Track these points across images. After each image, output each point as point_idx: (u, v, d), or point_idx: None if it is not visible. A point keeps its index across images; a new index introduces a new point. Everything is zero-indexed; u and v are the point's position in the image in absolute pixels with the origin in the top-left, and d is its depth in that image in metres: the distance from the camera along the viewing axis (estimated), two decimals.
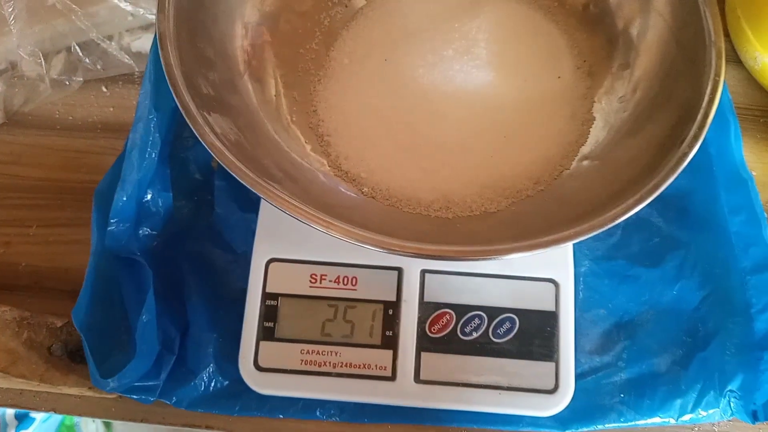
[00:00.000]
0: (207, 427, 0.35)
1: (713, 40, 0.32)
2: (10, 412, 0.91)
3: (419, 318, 0.35)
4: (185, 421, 0.35)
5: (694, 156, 0.30)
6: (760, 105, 0.44)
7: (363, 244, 0.28)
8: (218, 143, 0.29)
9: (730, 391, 0.35)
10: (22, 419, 0.90)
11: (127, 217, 0.35)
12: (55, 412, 0.35)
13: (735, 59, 0.44)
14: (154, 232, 0.37)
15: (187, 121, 0.29)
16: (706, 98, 0.31)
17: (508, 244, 0.29)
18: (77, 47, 0.40)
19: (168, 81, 0.30)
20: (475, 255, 0.29)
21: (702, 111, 0.31)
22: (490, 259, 0.30)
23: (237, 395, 0.35)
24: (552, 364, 0.34)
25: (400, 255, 0.28)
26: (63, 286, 0.38)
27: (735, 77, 0.44)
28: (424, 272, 0.35)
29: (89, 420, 0.99)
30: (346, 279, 0.36)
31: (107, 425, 1.05)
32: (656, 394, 0.35)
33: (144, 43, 0.41)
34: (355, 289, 0.35)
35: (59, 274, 0.38)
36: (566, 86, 0.37)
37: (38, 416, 0.91)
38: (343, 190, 0.35)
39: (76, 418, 0.96)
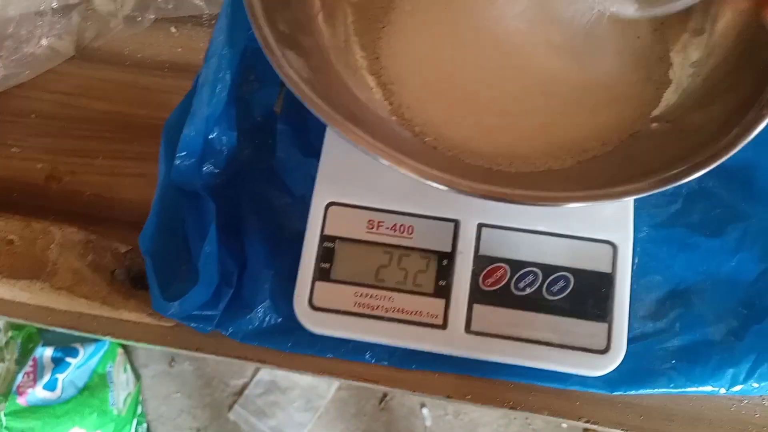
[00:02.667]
0: (259, 361, 0.36)
1: None
2: (48, 355, 0.94)
3: (473, 270, 0.35)
4: (238, 354, 0.36)
5: (762, 128, 0.29)
6: None
7: (426, 179, 0.28)
8: (296, 77, 0.29)
9: None
10: (58, 362, 0.93)
11: (193, 152, 0.36)
12: (113, 337, 0.37)
13: None
14: (217, 170, 0.37)
15: (266, 53, 0.29)
16: None
17: (565, 193, 0.29)
18: None
19: (248, 13, 0.30)
20: (532, 200, 0.29)
21: None
22: (546, 205, 0.30)
23: (290, 332, 0.36)
24: (605, 325, 0.34)
25: (462, 193, 0.28)
26: (125, 216, 0.39)
27: None
28: (480, 226, 0.36)
29: (121, 370, 1.02)
30: (402, 227, 0.36)
31: (137, 377, 1.08)
32: (708, 363, 0.35)
33: None
34: (411, 238, 0.36)
35: (123, 204, 0.39)
36: (644, 47, 0.36)
37: (73, 361, 0.94)
38: (406, 137, 0.35)
39: (108, 366, 0.99)
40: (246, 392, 1.08)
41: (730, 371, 0.34)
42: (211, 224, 0.34)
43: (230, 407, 1.07)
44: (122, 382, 1.02)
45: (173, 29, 0.43)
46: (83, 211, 0.39)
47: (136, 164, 0.40)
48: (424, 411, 1.06)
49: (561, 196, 0.28)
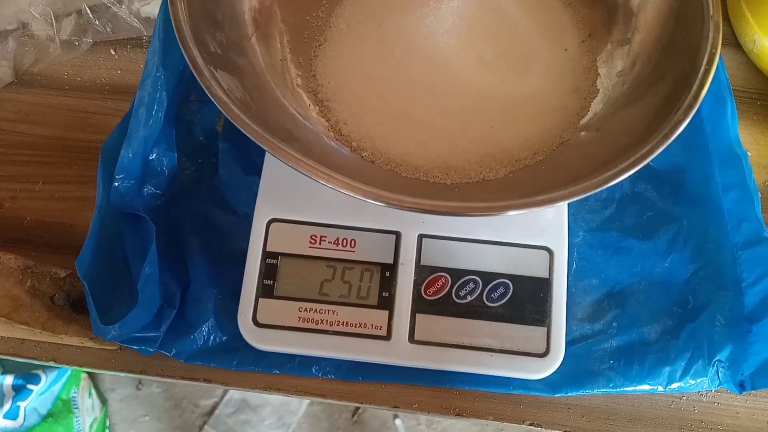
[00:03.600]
0: (205, 380, 0.36)
1: (711, 15, 0.33)
2: (8, 383, 0.92)
3: (415, 281, 0.36)
4: (183, 374, 0.36)
5: (690, 133, 0.31)
6: (757, 88, 0.44)
7: (364, 197, 0.28)
8: (225, 97, 0.30)
9: (719, 361, 0.35)
10: (19, 390, 0.91)
11: (132, 174, 0.36)
12: (56, 362, 0.36)
13: (734, 43, 0.45)
14: (158, 191, 0.37)
15: (194, 73, 0.30)
16: (702, 69, 0.32)
17: (504, 202, 0.30)
18: (88, 9, 0.41)
19: (176, 35, 0.30)
20: (471, 210, 0.29)
21: (697, 82, 0.31)
22: (485, 215, 0.31)
23: (235, 350, 0.36)
24: (543, 329, 0.35)
25: (399, 209, 0.29)
26: (67, 241, 0.38)
27: (734, 60, 0.45)
28: (421, 236, 0.36)
29: (86, 394, 1.00)
30: (345, 241, 0.36)
31: (103, 401, 1.06)
32: (645, 362, 0.36)
33: (153, 8, 0.42)
34: (353, 251, 0.36)
35: (64, 229, 0.39)
36: (571, 59, 0.38)
37: (35, 388, 0.92)
38: (344, 153, 0.36)
39: (72, 392, 0.97)
40: (216, 412, 1.06)
41: (667, 369, 0.35)
42: (151, 245, 0.34)
43: (201, 428, 1.06)
44: (88, 408, 1.00)
45: (113, 51, 0.43)
46: (24, 237, 0.39)
47: (77, 188, 0.40)
48: (398, 422, 1.06)
49: (487, 206, 0.29)
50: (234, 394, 1.07)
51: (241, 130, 0.29)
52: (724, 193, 0.38)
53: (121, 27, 0.41)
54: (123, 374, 0.36)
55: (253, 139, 0.29)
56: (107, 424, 1.05)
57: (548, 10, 0.39)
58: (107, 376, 1.07)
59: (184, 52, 0.30)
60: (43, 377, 0.93)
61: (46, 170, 0.40)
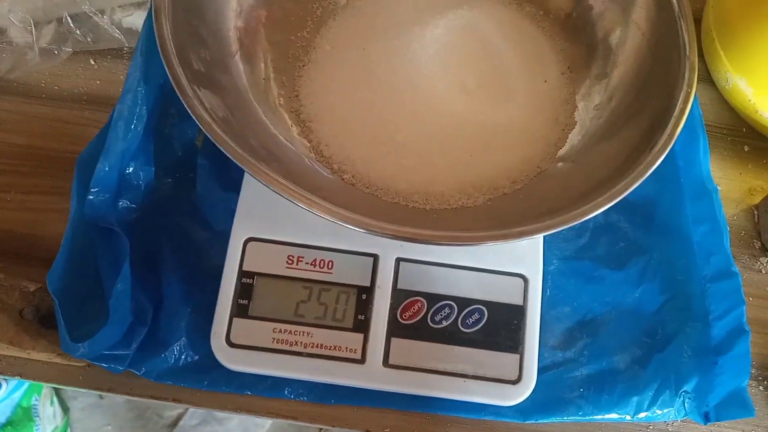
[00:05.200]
0: (174, 400, 0.35)
1: (687, 54, 0.34)
2: None
3: (391, 304, 0.36)
4: (153, 393, 0.35)
5: (663, 166, 0.31)
6: (729, 124, 0.46)
7: (342, 222, 0.29)
8: (207, 116, 0.29)
9: (685, 392, 0.36)
10: None
11: (107, 188, 0.35)
12: (21, 377, 0.35)
13: (707, 79, 0.47)
14: (133, 205, 0.37)
15: (177, 92, 0.30)
16: (678, 108, 0.33)
17: (483, 232, 0.30)
18: (69, 18, 0.40)
19: (160, 52, 0.30)
20: (451, 240, 0.30)
21: (673, 120, 0.32)
22: (465, 245, 0.31)
23: (206, 370, 0.35)
24: (517, 356, 0.35)
25: (378, 236, 0.29)
26: (38, 253, 0.38)
27: (707, 96, 0.46)
28: (399, 260, 0.36)
29: (47, 402, 0.98)
30: (322, 262, 0.36)
31: (65, 409, 1.03)
32: (614, 391, 0.36)
33: (135, 19, 0.42)
34: (330, 273, 0.36)
35: (35, 241, 0.38)
36: (551, 90, 0.38)
37: None
38: (325, 174, 0.36)
39: (33, 400, 0.95)
40: (181, 423, 1.04)
41: (635, 399, 0.36)
42: (125, 261, 0.34)
43: None
44: (49, 416, 0.97)
45: (92, 61, 0.42)
46: None
47: (50, 199, 0.39)
48: None
49: (467, 236, 0.29)
50: None
51: (223, 151, 0.29)
52: (694, 226, 0.39)
53: (101, 37, 0.41)
54: (90, 391, 0.35)
55: (235, 160, 0.29)
56: None
57: (530, 41, 0.40)
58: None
59: (167, 70, 0.30)
60: (4, 384, 0.90)
61: (19, 179, 0.39)
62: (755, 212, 0.43)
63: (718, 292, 0.38)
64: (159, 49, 0.30)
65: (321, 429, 1.03)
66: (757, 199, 0.43)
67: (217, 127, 0.29)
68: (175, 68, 0.30)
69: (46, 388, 0.98)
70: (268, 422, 1.04)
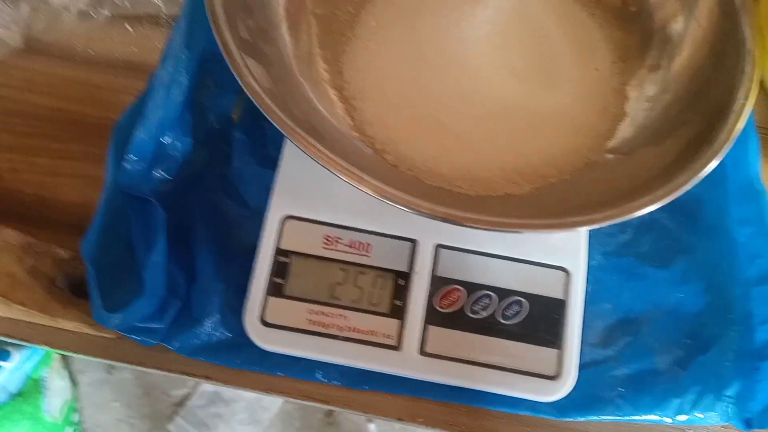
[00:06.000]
0: (205, 377, 0.34)
1: (748, 48, 0.33)
2: None
3: (429, 291, 0.35)
4: (183, 369, 0.34)
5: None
6: None
7: (387, 199, 0.28)
8: (255, 84, 0.28)
9: (727, 396, 0.35)
10: None
11: (144, 156, 0.34)
12: (50, 346, 0.34)
13: None
14: (169, 176, 0.36)
15: (227, 60, 0.29)
16: (738, 105, 0.31)
17: (529, 220, 0.29)
18: None
19: (209, 16, 0.29)
20: (499, 226, 0.29)
21: (732, 117, 0.31)
22: (511, 231, 0.30)
23: (239, 349, 0.35)
24: (556, 351, 0.34)
25: (425, 216, 0.28)
26: (68, 219, 0.37)
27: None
28: (438, 247, 0.35)
29: (56, 376, 0.97)
30: (360, 244, 0.35)
31: (74, 383, 1.03)
32: (655, 392, 0.35)
33: None
34: (368, 256, 0.35)
35: (65, 207, 0.37)
36: (602, 79, 0.37)
37: (7, 366, 0.89)
38: (367, 154, 0.35)
39: (44, 372, 0.95)
40: (188, 403, 1.04)
41: (676, 401, 0.35)
42: (161, 233, 0.33)
43: (170, 418, 1.04)
44: (58, 389, 0.97)
45: (129, 27, 0.41)
46: (23, 211, 0.37)
47: (82, 165, 0.38)
48: (371, 426, 1.05)
49: (513, 222, 0.28)
50: (207, 385, 1.05)
51: (271, 120, 0.28)
52: (740, 227, 0.38)
53: (139, 2, 0.40)
54: (120, 363, 0.34)
55: (283, 131, 0.28)
56: (76, 407, 1.02)
57: (582, 27, 0.38)
58: (78, 357, 1.04)
59: (217, 37, 0.29)
60: (15, 354, 0.90)
61: (50, 143, 0.38)
62: None
63: (761, 295, 0.36)
64: (208, 13, 0.29)
65: (330, 411, 1.03)
66: None
67: (265, 96, 0.28)
68: (225, 34, 0.29)
69: (56, 361, 0.98)
70: (275, 406, 1.04)
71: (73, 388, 1.02)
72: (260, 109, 0.28)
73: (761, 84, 0.45)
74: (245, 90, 0.28)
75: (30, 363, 0.92)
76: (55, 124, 0.39)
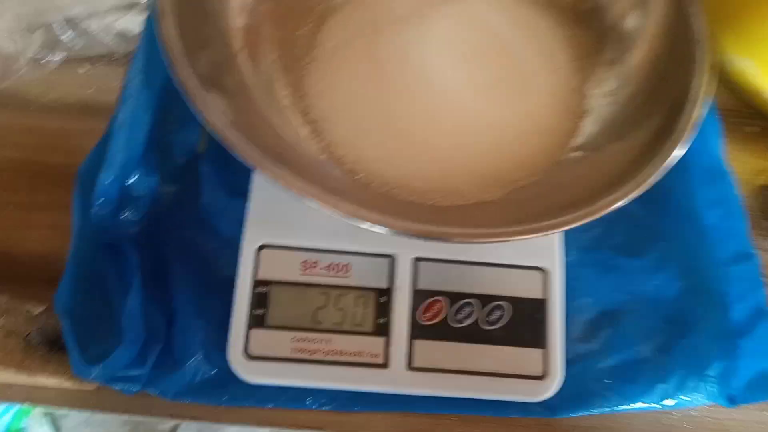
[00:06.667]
0: (193, 418, 0.34)
1: (700, 39, 0.33)
2: None
3: (412, 305, 0.35)
4: (170, 412, 0.34)
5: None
6: (732, 106, 0.45)
7: (372, 224, 0.28)
8: (219, 121, 0.28)
9: (710, 376, 0.36)
10: None
11: (111, 200, 0.34)
12: (32, 403, 0.34)
13: None
14: (138, 217, 0.35)
15: (187, 98, 0.28)
16: (695, 95, 0.32)
17: (505, 228, 0.29)
18: (57, 24, 0.38)
19: (167, 55, 0.29)
20: (475, 237, 0.29)
21: (689, 106, 0.32)
22: (488, 242, 0.30)
23: (225, 385, 0.34)
24: (541, 351, 0.35)
25: (405, 236, 0.28)
26: (39, 273, 0.36)
27: None
28: (416, 260, 0.35)
29: (37, 423, 0.95)
30: (338, 266, 0.35)
31: (57, 428, 1.00)
32: (640, 380, 0.36)
33: (128, 23, 0.40)
34: (347, 277, 0.35)
35: (35, 260, 0.36)
36: (563, 78, 0.38)
37: None
38: (337, 175, 0.35)
39: (23, 423, 0.92)
40: None
41: (660, 387, 0.36)
42: (135, 277, 0.32)
43: None
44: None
45: (83, 69, 0.40)
46: None
47: (46, 215, 0.37)
48: None
49: (492, 232, 0.29)
50: None
51: (239, 156, 0.28)
52: (710, 209, 0.39)
53: (92, 43, 0.39)
54: (106, 413, 0.34)
55: (254, 166, 0.28)
56: None
57: (539, 31, 0.39)
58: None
59: (175, 73, 0.28)
60: None
61: (12, 197, 0.37)
62: (763, 192, 0.43)
63: (736, 274, 0.37)
64: (165, 51, 0.29)
65: None
66: (764, 180, 0.43)
67: (229, 131, 0.28)
68: (183, 71, 0.29)
69: (37, 410, 0.95)
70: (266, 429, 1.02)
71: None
72: (224, 144, 0.28)
73: (720, 69, 0.46)
74: (207, 127, 0.28)
75: (8, 414, 0.90)
76: (16, 176, 0.38)
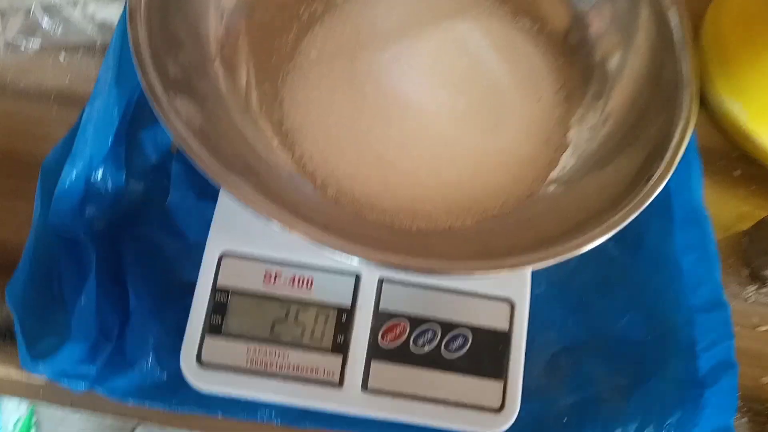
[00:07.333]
0: (139, 419, 0.33)
1: (689, 81, 0.33)
2: None
3: (372, 326, 0.34)
4: (118, 411, 0.33)
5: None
6: (720, 147, 0.45)
7: (322, 245, 0.27)
8: (181, 128, 0.28)
9: (669, 424, 0.35)
10: None
11: (73, 195, 0.33)
12: None
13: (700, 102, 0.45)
14: (101, 214, 0.35)
15: (151, 102, 0.28)
16: (676, 139, 0.32)
17: (472, 262, 0.29)
18: (37, 10, 0.37)
19: (134, 58, 0.28)
20: (439, 270, 0.29)
21: (670, 151, 0.31)
22: (453, 276, 0.30)
23: (176, 390, 0.34)
24: (500, 383, 0.34)
25: (359, 261, 0.27)
26: None
27: (699, 120, 0.45)
28: (382, 280, 0.35)
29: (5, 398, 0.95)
30: (301, 280, 0.35)
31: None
32: (597, 421, 0.35)
33: (111, 12, 0.39)
34: (309, 291, 0.34)
35: None
36: (544, 110, 0.37)
37: None
38: (306, 190, 0.34)
39: None
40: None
41: (618, 430, 0.35)
42: (90, 274, 0.32)
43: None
44: (12, 407, 0.94)
45: (62, 57, 0.40)
46: None
47: (13, 203, 0.37)
48: None
49: (454, 266, 0.28)
50: None
51: (195, 164, 0.27)
52: (685, 253, 0.38)
53: (73, 31, 0.38)
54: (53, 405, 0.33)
55: (207, 175, 0.27)
56: (33, 421, 0.99)
57: (523, 57, 0.38)
58: None
59: (140, 76, 0.28)
60: None
61: None
62: (744, 239, 0.42)
63: (706, 323, 0.37)
64: (133, 54, 0.28)
65: None
66: (746, 226, 0.42)
67: (191, 139, 0.27)
68: (150, 75, 0.28)
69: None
70: None
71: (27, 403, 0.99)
72: (186, 154, 0.27)
73: (703, 103, 0.45)
74: (170, 134, 0.27)
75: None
76: None
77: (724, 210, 0.43)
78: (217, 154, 0.28)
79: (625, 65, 0.36)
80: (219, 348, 0.33)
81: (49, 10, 0.38)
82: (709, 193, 0.43)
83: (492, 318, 0.35)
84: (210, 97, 0.33)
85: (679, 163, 0.39)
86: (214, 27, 0.34)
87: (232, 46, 0.35)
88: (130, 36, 0.28)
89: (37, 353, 0.31)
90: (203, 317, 0.33)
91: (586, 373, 0.37)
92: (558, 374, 0.37)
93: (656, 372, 0.36)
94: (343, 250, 0.27)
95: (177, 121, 0.28)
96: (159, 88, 0.28)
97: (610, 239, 0.39)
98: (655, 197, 0.39)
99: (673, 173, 0.39)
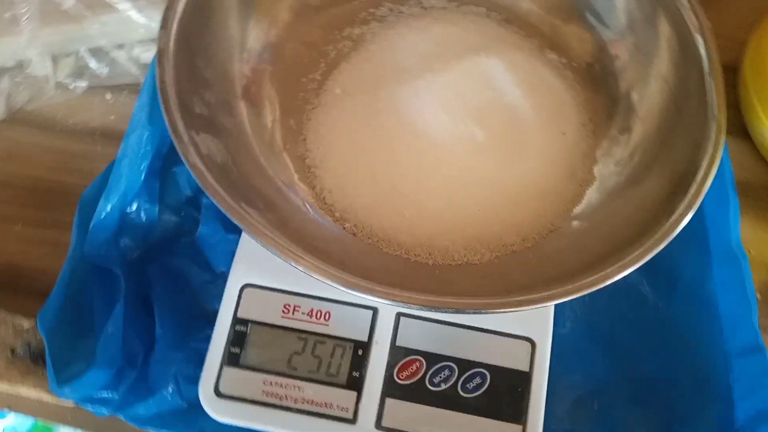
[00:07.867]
0: None
1: (715, 114, 0.32)
2: None
3: (388, 362, 0.34)
4: None
5: (690, 228, 0.29)
6: (765, 181, 0.43)
7: (333, 283, 0.27)
8: (200, 165, 0.29)
9: None
10: None
11: (108, 227, 0.35)
12: (11, 409, 0.35)
13: (743, 133, 0.44)
14: (134, 244, 0.36)
15: (173, 140, 0.29)
16: (702, 172, 0.30)
17: (490, 299, 0.29)
18: (86, 53, 0.40)
19: (159, 97, 0.30)
20: (456, 306, 0.28)
21: (696, 185, 0.30)
22: (471, 312, 0.30)
23: (194, 419, 0.34)
24: (519, 427, 0.33)
25: (371, 298, 0.28)
26: (38, 287, 0.37)
27: (742, 151, 0.44)
28: (399, 315, 0.35)
29: None
30: (319, 313, 0.35)
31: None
32: None
33: (154, 54, 0.42)
34: (327, 325, 0.35)
35: (36, 275, 0.38)
36: (569, 143, 0.37)
37: None
38: (325, 223, 0.35)
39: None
40: None
41: None
42: (117, 303, 0.33)
43: None
44: None
45: (108, 96, 0.42)
46: None
47: (55, 233, 0.39)
48: None
49: (472, 303, 0.28)
50: None
51: (214, 202, 0.28)
52: (721, 294, 0.36)
53: (118, 72, 0.41)
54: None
55: (223, 210, 0.28)
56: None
57: (549, 90, 0.38)
58: None
59: (165, 117, 0.29)
60: None
61: (26, 212, 0.40)
62: None
63: (743, 369, 0.34)
64: (158, 92, 0.30)
65: None
66: None
67: (209, 175, 0.29)
68: (172, 113, 0.29)
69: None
70: None
71: None
72: (206, 191, 0.28)
73: (746, 134, 0.44)
74: (189, 170, 0.29)
75: None
76: (32, 193, 0.40)
77: (763, 247, 0.40)
78: (237, 189, 0.30)
79: (651, 96, 0.35)
80: (236, 379, 0.34)
81: (97, 53, 0.41)
82: (752, 230, 0.41)
83: (512, 358, 0.34)
84: (235, 133, 0.34)
85: (717, 199, 0.38)
86: (240, 67, 0.35)
87: (258, 84, 0.36)
88: (157, 75, 0.30)
89: (63, 378, 0.32)
90: (223, 348, 0.34)
91: (614, 418, 0.35)
92: (584, 418, 0.35)
93: (690, 419, 0.34)
94: (358, 289, 0.28)
95: (197, 157, 0.29)
96: (181, 127, 0.29)
97: (641, 276, 0.38)
98: (691, 234, 0.38)
99: (711, 209, 0.38)
